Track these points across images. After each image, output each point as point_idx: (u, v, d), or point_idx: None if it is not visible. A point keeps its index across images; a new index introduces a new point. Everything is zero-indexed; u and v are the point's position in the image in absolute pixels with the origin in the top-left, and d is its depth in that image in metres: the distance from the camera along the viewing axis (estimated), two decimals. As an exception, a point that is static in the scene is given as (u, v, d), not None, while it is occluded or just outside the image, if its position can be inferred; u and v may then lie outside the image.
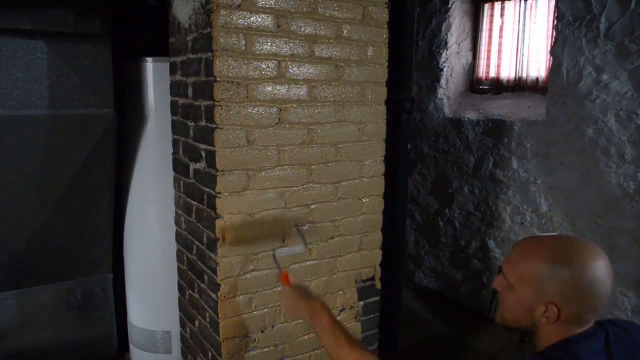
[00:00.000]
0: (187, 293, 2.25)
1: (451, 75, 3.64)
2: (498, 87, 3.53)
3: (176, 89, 2.13)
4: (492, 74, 3.58)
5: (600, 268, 1.03)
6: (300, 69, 1.91)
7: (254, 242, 1.89)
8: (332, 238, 2.11)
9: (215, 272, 1.89)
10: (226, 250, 1.87)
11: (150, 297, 2.48)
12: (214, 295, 1.93)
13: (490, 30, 3.54)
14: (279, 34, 1.84)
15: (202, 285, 2.05)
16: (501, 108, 3.35)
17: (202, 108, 1.87)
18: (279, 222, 1.90)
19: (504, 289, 1.12)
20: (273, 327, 2.03)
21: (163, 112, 2.25)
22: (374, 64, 2.09)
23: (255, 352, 2.00)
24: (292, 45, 1.87)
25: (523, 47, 3.36)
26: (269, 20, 1.81)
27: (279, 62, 1.86)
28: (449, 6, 3.54)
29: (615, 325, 1.13)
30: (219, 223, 1.84)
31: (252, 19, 1.78)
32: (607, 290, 1.04)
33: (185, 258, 2.22)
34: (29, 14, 1.95)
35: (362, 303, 2.27)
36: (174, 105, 2.17)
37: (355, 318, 2.26)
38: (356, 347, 1.25)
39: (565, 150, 2.86)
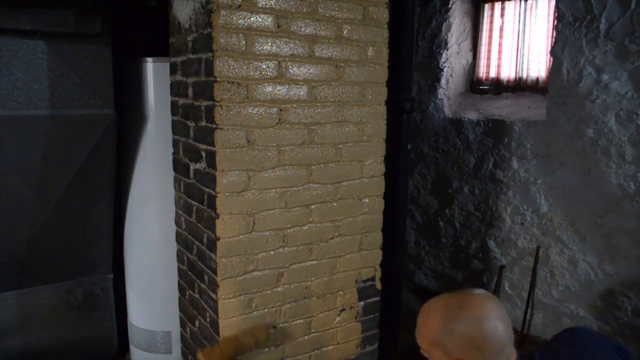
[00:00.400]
0: (187, 293, 2.25)
1: (451, 75, 3.64)
2: (498, 87, 3.53)
3: (176, 89, 2.13)
4: (492, 74, 3.57)
5: (490, 314, 1.10)
6: (300, 69, 1.91)
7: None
8: (332, 238, 2.11)
9: (215, 272, 1.89)
10: (226, 250, 1.87)
11: (150, 297, 2.48)
12: (214, 295, 1.93)
13: (490, 30, 3.54)
14: (279, 34, 1.84)
15: (202, 285, 2.05)
16: (501, 108, 3.35)
17: (202, 108, 1.87)
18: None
19: (427, 356, 1.19)
20: (273, 327, 2.03)
21: (163, 112, 2.25)
22: (374, 64, 2.09)
23: (256, 352, 2.00)
24: (292, 45, 1.87)
25: (523, 47, 3.36)
26: (269, 20, 1.81)
27: (279, 62, 1.86)
28: (449, 6, 3.54)
29: (544, 350, 1.19)
30: (218, 223, 1.84)
31: (252, 19, 1.78)
32: (503, 332, 1.10)
33: (185, 258, 2.22)
34: (29, 14, 1.95)
35: (362, 303, 2.27)
36: (174, 105, 2.17)
37: (355, 318, 2.26)
38: None
39: (565, 150, 2.86)
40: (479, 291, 1.18)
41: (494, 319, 1.10)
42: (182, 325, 2.38)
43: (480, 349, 1.09)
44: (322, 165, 2.03)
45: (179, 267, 2.33)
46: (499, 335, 1.10)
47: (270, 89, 1.86)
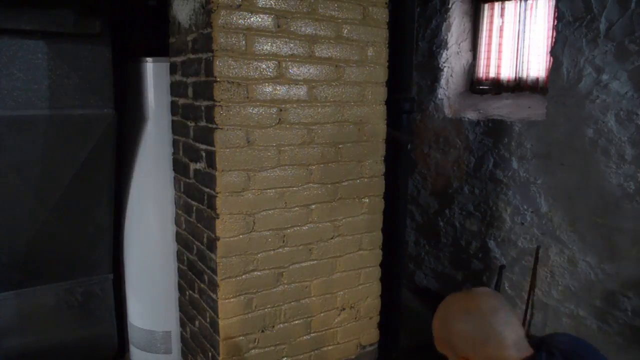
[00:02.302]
0: (187, 293, 2.25)
1: (451, 75, 3.64)
2: (498, 87, 3.53)
3: (176, 89, 2.13)
4: (492, 74, 3.57)
5: (490, 309, 1.10)
6: (300, 69, 1.91)
7: None
8: (332, 238, 2.11)
9: (215, 272, 1.89)
10: (226, 250, 1.87)
11: (150, 297, 2.48)
12: (214, 295, 1.93)
13: (490, 30, 3.54)
14: (278, 34, 1.84)
15: (202, 285, 2.05)
16: (501, 108, 3.35)
17: (202, 108, 1.87)
18: None
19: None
20: (273, 327, 2.03)
21: (163, 112, 2.25)
22: (373, 64, 2.09)
23: (255, 352, 2.00)
24: (292, 45, 1.87)
25: (523, 47, 3.35)
26: (269, 20, 1.81)
27: (278, 62, 1.86)
28: (449, 6, 3.54)
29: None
30: (218, 223, 1.84)
31: (252, 19, 1.78)
32: (504, 326, 1.09)
33: (185, 258, 2.22)
34: (29, 14, 1.95)
35: (362, 303, 2.27)
36: (174, 105, 2.17)
37: (355, 318, 2.26)
38: None
39: (565, 150, 2.86)
40: (481, 289, 1.18)
41: (494, 315, 1.10)
42: (182, 325, 2.38)
43: (484, 345, 1.09)
44: (322, 165, 2.03)
45: (178, 267, 2.33)
46: (502, 327, 1.09)
47: (270, 89, 1.86)
